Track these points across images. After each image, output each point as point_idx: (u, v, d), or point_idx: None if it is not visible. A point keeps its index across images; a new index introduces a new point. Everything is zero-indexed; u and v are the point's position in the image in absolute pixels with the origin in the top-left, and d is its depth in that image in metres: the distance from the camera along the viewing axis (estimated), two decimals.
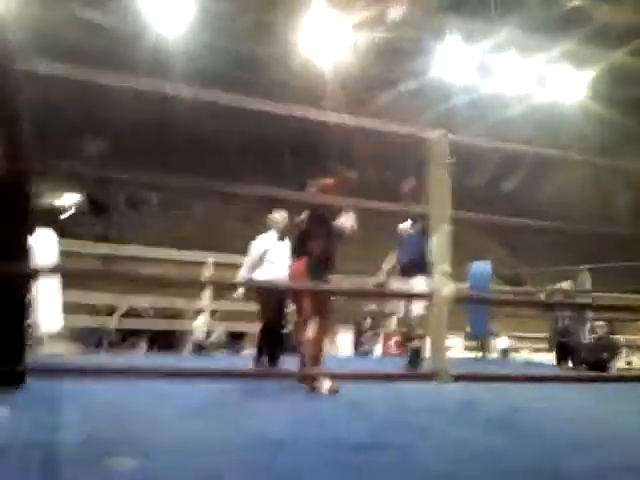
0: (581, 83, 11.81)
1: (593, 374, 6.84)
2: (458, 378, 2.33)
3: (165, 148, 16.49)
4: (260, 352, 5.61)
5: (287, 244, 5.56)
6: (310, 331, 4.31)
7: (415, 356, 5.57)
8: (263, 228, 5.87)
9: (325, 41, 11.12)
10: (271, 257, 5.59)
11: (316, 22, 11.00)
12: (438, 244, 2.32)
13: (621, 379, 4.81)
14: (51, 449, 2.23)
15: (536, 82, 11.69)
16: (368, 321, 10.50)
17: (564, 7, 10.14)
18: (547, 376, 4.46)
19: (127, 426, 2.80)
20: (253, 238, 5.87)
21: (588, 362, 8.07)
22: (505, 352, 9.04)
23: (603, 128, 13.57)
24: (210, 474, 2.05)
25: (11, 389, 3.01)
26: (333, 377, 4.00)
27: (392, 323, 10.29)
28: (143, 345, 9.99)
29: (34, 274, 3.48)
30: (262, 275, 5.55)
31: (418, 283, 5.40)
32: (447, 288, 2.31)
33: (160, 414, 3.22)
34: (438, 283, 2.32)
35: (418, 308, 5.46)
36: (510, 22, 10.83)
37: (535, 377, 3.46)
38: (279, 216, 5.73)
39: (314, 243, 4.40)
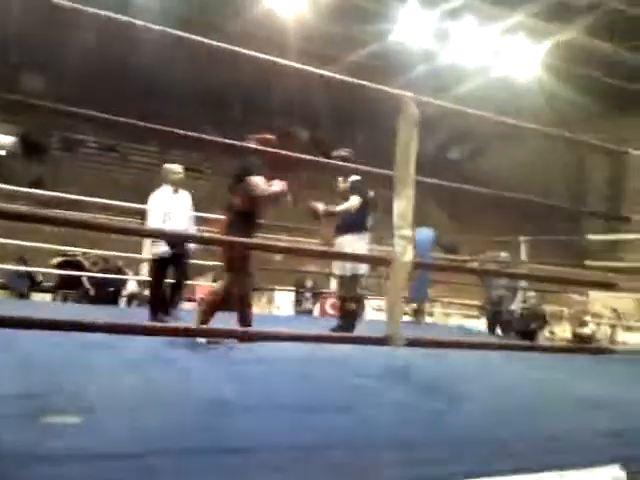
0: (536, 57, 11.95)
1: (545, 345, 7.12)
2: (411, 343, 2.32)
3: (122, 97, 15.75)
4: (154, 307, 5.45)
5: (184, 198, 5.59)
6: (217, 286, 4.45)
7: (349, 319, 5.50)
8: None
9: None
10: (167, 211, 5.46)
11: None
12: (400, 208, 2.27)
13: (563, 350, 4.99)
14: None
15: (492, 53, 11.75)
16: (309, 281, 10.57)
17: None
18: (496, 344, 4.55)
19: (63, 380, 2.65)
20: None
21: (518, 331, 8.41)
22: (416, 313, 9.19)
23: (556, 103, 13.89)
24: (155, 431, 1.96)
25: None
26: (277, 338, 3.92)
27: (332, 283, 10.36)
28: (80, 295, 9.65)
29: None
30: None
31: (346, 242, 5.36)
32: (407, 254, 2.27)
33: (95, 367, 3.08)
34: (398, 248, 2.27)
35: (355, 269, 5.42)
36: None
37: (485, 344, 3.53)
38: (175, 167, 5.65)
39: (236, 199, 4.36)
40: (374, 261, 6.58)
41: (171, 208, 5.46)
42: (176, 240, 5.03)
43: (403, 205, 2.27)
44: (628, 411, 3.05)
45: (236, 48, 2.42)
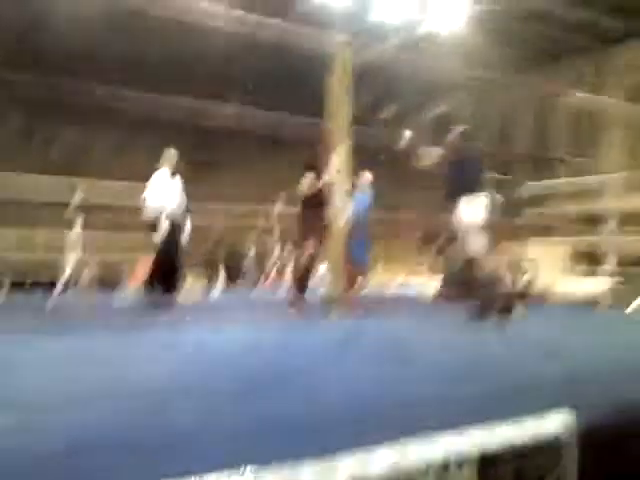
0: (462, 10, 11.91)
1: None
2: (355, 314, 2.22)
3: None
4: (151, 284, 5.49)
5: (178, 181, 5.76)
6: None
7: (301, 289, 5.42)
8: (138, 155, 5.83)
9: None
10: (165, 191, 5.67)
11: None
12: (337, 164, 2.14)
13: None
14: None
15: (418, 9, 11.62)
16: (252, 253, 10.36)
17: None
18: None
19: None
20: (129, 165, 5.83)
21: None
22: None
23: (487, 56, 13.98)
24: (90, 429, 1.80)
25: None
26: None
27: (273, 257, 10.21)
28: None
29: None
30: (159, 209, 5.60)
31: None
32: (343, 217, 2.15)
33: (25, 362, 2.86)
34: (336, 213, 2.15)
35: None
36: None
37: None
38: (175, 153, 5.83)
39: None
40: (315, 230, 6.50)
41: (171, 191, 5.70)
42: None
43: (339, 160, 2.14)
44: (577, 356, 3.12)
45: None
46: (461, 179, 5.11)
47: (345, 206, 1.83)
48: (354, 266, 7.91)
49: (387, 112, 18.92)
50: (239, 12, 2.01)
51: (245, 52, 13.21)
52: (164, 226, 5.59)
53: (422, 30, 12.29)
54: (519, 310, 4.54)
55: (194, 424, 1.85)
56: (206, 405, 2.07)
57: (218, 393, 2.26)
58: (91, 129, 14.30)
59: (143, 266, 6.05)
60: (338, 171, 5.13)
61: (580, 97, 4.07)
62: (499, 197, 5.16)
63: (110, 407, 2.04)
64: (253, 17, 2.05)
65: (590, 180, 7.07)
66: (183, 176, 5.98)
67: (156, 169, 5.84)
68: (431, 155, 5.08)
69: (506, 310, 4.46)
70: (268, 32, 2.06)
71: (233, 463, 1.31)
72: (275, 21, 2.04)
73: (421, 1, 11.41)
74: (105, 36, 12.05)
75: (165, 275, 5.66)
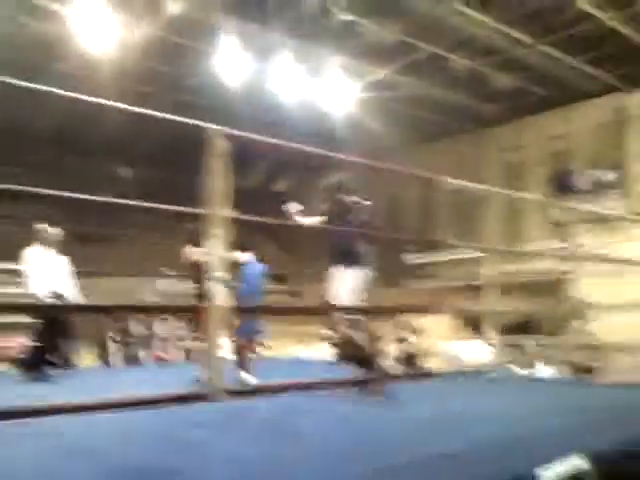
0: (352, 95, 12.66)
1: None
2: (233, 394, 2.15)
3: None
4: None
5: (57, 256, 5.55)
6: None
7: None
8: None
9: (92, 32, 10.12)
10: (43, 272, 5.43)
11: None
12: (214, 248, 2.12)
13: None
14: None
15: (311, 90, 12.21)
16: (136, 324, 10.00)
17: (337, 21, 10.72)
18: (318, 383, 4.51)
19: None
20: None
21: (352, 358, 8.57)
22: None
23: (372, 135, 14.84)
24: None
25: None
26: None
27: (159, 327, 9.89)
28: None
29: None
30: (39, 288, 5.40)
31: None
32: (222, 296, 2.12)
33: None
34: (213, 292, 2.11)
35: None
36: (286, 28, 11.11)
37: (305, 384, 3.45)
38: (55, 231, 5.52)
39: None
40: (187, 309, 6.39)
41: (46, 269, 5.38)
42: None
43: (216, 244, 2.12)
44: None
45: (44, 88, 2.23)
46: (340, 241, 4.73)
47: (221, 291, 1.81)
48: (246, 338, 7.77)
49: (280, 185, 19.40)
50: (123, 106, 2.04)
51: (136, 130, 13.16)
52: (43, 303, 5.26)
53: (317, 109, 12.94)
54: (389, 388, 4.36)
55: None
56: None
57: None
58: None
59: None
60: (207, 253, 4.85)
61: (452, 182, 4.35)
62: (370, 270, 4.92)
63: None
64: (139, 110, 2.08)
65: (468, 253, 7.54)
66: (65, 250, 5.64)
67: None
68: (298, 211, 4.67)
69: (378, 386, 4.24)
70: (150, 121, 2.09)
71: None
72: (155, 113, 2.06)
73: (314, 84, 12.07)
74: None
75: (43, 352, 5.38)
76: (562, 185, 14.95)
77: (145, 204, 2.26)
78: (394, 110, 14.67)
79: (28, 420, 3.08)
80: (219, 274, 2.11)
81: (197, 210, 2.12)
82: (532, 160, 15.85)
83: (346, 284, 4.53)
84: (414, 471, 2.29)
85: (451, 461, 2.44)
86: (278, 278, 13.97)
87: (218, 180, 2.09)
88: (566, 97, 14.40)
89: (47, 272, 5.32)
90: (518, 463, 2.38)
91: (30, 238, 5.39)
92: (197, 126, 2.32)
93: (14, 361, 6.87)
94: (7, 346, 7.64)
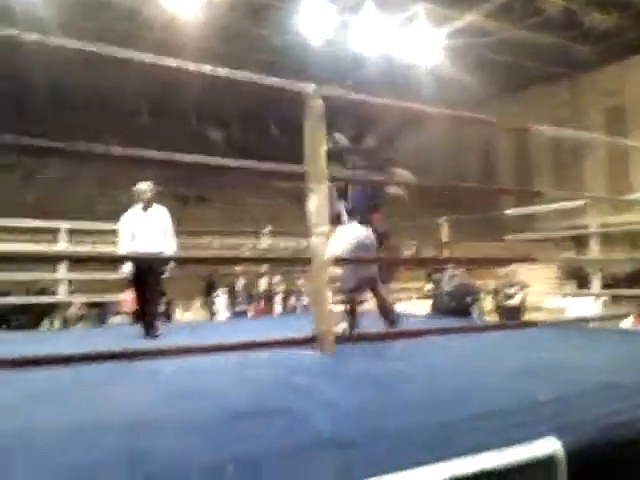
0: (437, 44, 12.24)
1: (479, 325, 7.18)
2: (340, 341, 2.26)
3: (21, 106, 14.88)
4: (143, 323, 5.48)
5: (154, 214, 5.52)
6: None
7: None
8: (121, 192, 5.63)
9: None
10: (137, 231, 5.46)
11: None
12: (317, 204, 2.21)
13: (496, 327, 5.07)
14: None
15: (394, 42, 11.93)
16: (241, 281, 10.43)
17: None
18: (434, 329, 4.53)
19: None
20: (113, 203, 5.60)
21: (453, 309, 8.47)
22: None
23: (456, 90, 14.33)
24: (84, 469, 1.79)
25: None
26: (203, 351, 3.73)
27: (262, 284, 10.26)
28: None
29: None
30: (131, 249, 5.44)
31: None
32: (325, 251, 2.21)
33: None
34: (316, 245, 2.20)
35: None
36: None
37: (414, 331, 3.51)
38: (145, 187, 5.59)
39: None
40: (294, 260, 6.54)
41: (139, 227, 5.46)
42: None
43: (319, 201, 2.21)
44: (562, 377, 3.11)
45: (131, 53, 2.30)
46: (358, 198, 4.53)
47: (324, 245, 1.87)
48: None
49: (369, 142, 19.28)
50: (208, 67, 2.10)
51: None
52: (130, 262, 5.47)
53: (398, 61, 12.66)
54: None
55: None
56: None
57: None
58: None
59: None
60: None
61: (549, 129, 4.11)
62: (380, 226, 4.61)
63: None
64: (223, 70, 2.13)
65: (570, 203, 7.21)
66: (169, 210, 5.83)
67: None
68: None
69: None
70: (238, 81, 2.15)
71: None
72: (244, 74, 2.10)
73: (398, 35, 11.77)
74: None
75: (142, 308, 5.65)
76: None
77: (250, 164, 2.32)
78: (483, 57, 14.03)
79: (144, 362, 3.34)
80: (322, 229, 2.20)
81: (299, 169, 2.19)
82: (636, 104, 14.70)
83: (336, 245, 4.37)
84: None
85: (555, 405, 2.44)
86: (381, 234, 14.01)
87: (317, 140, 2.16)
88: None
89: (143, 231, 5.47)
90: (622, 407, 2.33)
91: (130, 200, 5.66)
92: (287, 86, 2.34)
93: (132, 314, 7.36)
94: (124, 299, 8.26)
